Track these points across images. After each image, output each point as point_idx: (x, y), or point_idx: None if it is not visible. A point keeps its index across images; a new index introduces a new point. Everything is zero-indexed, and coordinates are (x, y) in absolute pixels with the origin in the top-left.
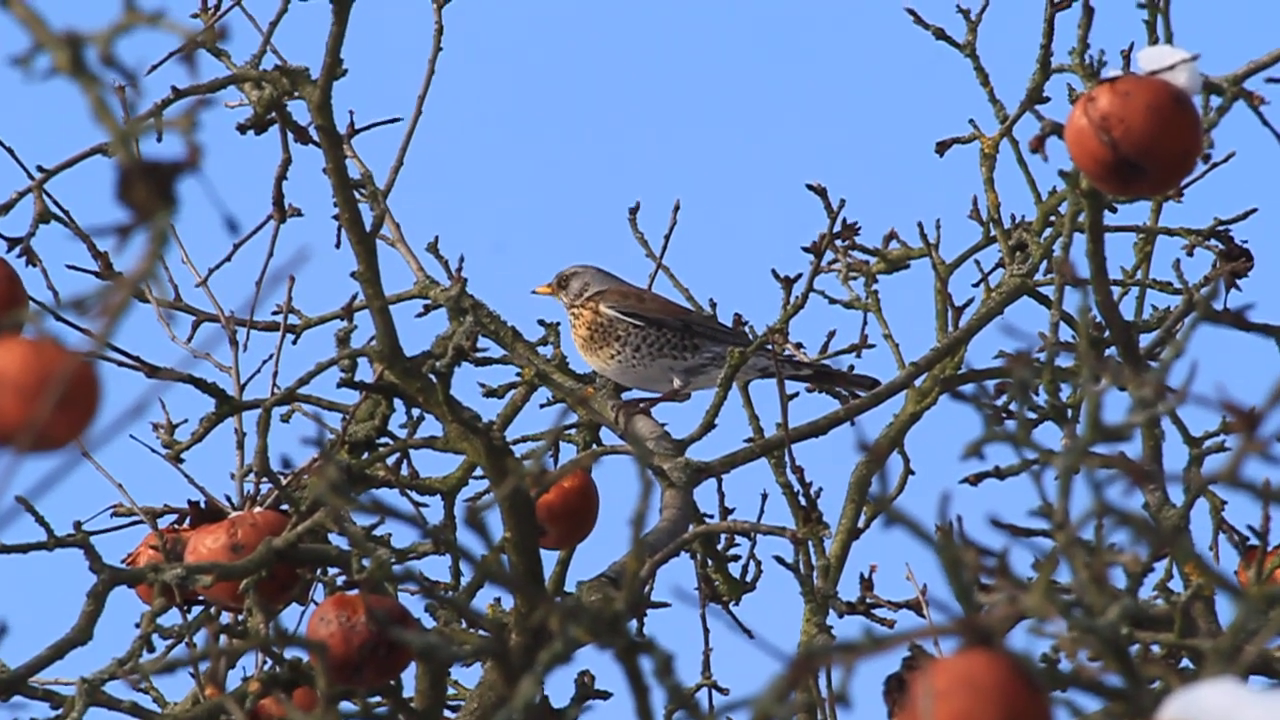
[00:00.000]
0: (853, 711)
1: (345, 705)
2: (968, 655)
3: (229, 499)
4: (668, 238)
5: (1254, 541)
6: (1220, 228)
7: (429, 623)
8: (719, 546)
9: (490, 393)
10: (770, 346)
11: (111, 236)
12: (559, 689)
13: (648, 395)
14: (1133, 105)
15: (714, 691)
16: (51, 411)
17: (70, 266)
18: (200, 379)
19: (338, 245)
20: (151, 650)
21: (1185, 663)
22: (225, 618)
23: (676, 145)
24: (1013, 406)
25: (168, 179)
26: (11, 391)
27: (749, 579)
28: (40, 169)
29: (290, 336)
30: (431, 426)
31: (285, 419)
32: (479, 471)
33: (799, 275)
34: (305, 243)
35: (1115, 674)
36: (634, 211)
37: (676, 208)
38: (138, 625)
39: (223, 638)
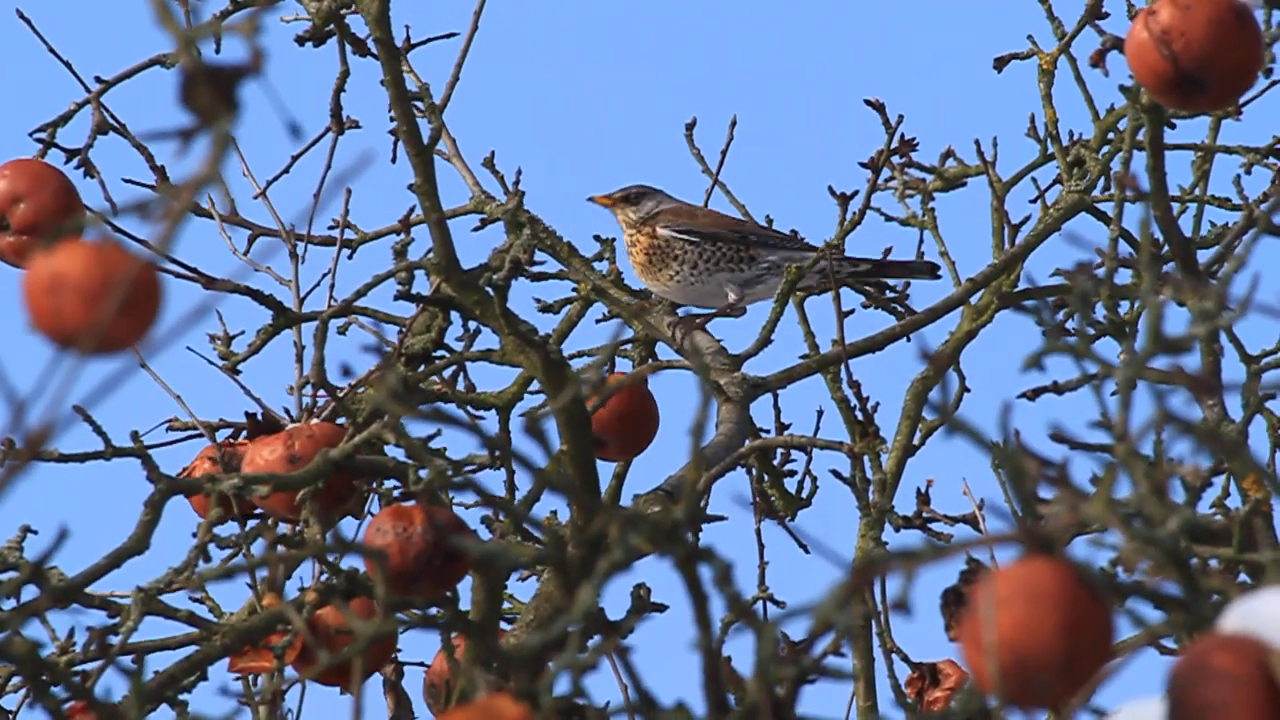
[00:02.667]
0: (906, 625)
1: (402, 615)
2: (1029, 563)
3: (286, 411)
4: (724, 154)
5: None
6: (1279, 145)
7: (484, 536)
8: (775, 461)
9: (546, 308)
10: (826, 264)
11: (174, 141)
12: (615, 603)
13: (703, 311)
14: (1194, 19)
15: (770, 604)
16: (114, 314)
17: (127, 180)
18: (257, 290)
19: (394, 159)
20: (208, 560)
21: (1244, 577)
22: (282, 528)
23: (733, 60)
24: (1072, 321)
25: (231, 83)
26: (74, 293)
27: (805, 494)
28: (98, 80)
29: (347, 250)
30: (488, 340)
31: (342, 331)
32: (535, 386)
33: (855, 192)
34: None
35: (1175, 585)
36: (690, 128)
37: (733, 124)
38: (194, 535)
39: (280, 547)
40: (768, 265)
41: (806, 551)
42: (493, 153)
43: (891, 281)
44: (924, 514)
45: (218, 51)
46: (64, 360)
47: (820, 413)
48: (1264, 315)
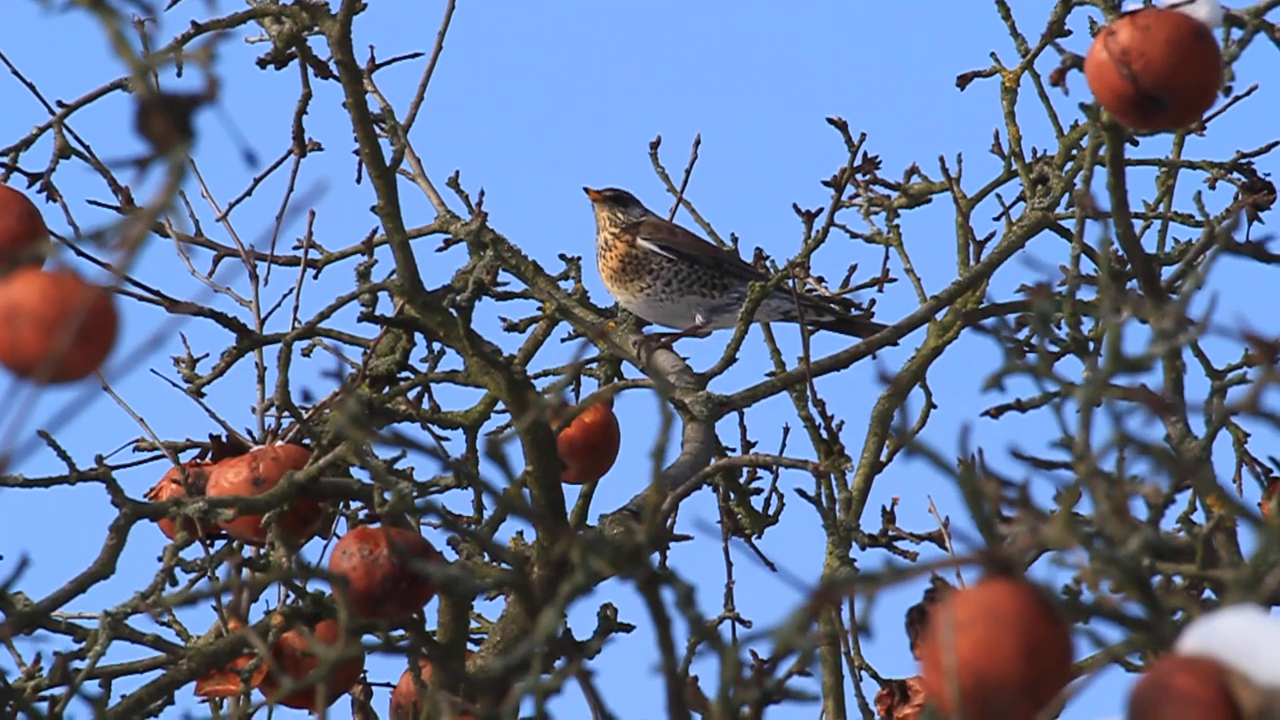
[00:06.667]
0: (875, 642)
1: (367, 638)
2: (989, 586)
3: (250, 433)
4: (689, 172)
5: (1277, 474)
6: (1242, 160)
7: (451, 557)
8: (741, 480)
9: (511, 327)
10: (792, 281)
11: (130, 169)
12: (582, 622)
13: (668, 330)
14: (1153, 39)
15: (736, 624)
16: (71, 343)
17: (91, 202)
18: (221, 313)
19: (358, 180)
20: (174, 584)
21: (1207, 594)
22: (247, 552)
23: (698, 79)
24: (1034, 339)
25: (186, 111)
26: (31, 323)
27: (771, 512)
28: (60, 104)
29: (311, 271)
30: (452, 361)
31: (306, 353)
32: (500, 406)
33: (820, 210)
34: (325, 175)
35: (1137, 604)
36: (655, 146)
37: (697, 142)
38: (160, 559)
39: (245, 571)
40: (738, 295)
41: (773, 570)
42: (457, 172)
43: (855, 298)
44: (890, 532)
45: (179, 76)
46: (22, 389)
47: (786, 430)
48: (1222, 336)
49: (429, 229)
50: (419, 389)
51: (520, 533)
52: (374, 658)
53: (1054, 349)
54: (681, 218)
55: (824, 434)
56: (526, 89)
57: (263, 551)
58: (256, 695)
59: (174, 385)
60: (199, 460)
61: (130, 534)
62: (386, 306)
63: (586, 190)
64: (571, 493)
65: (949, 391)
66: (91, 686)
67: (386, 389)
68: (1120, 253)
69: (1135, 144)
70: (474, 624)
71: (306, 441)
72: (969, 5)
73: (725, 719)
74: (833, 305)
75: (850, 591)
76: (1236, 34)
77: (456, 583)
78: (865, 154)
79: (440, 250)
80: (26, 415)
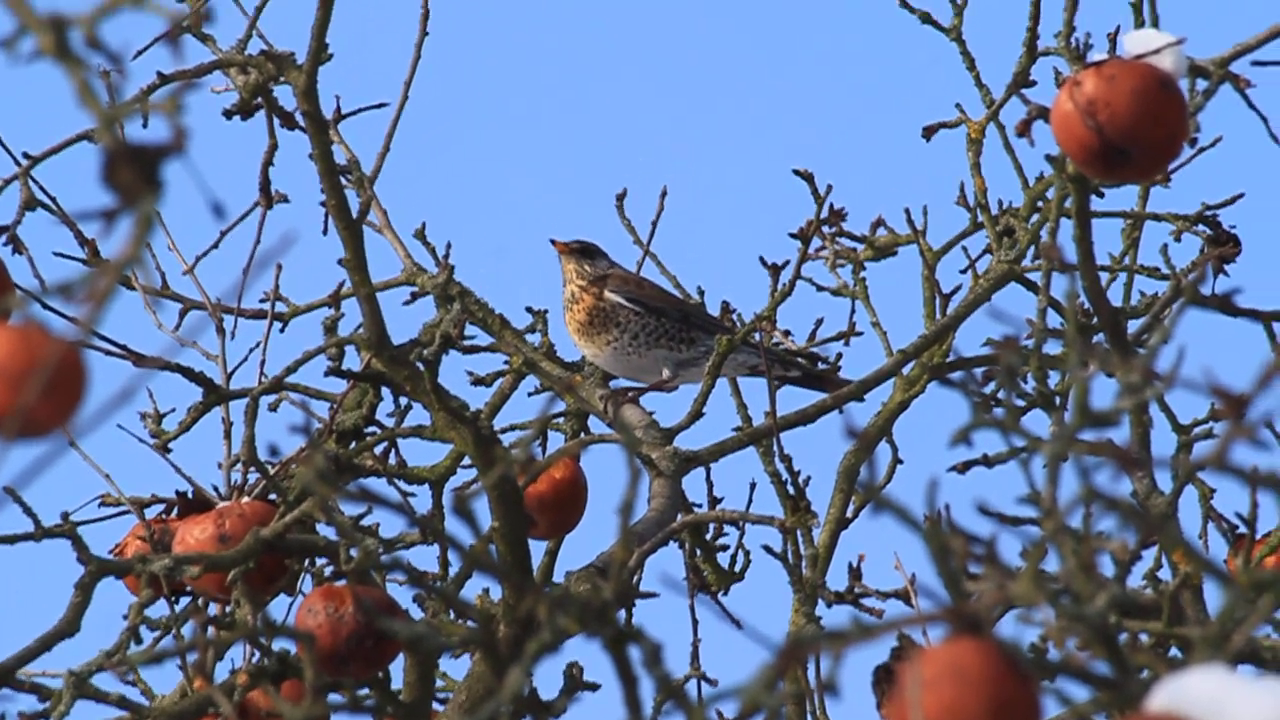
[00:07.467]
0: (841, 701)
1: (333, 697)
2: (955, 644)
3: (216, 489)
4: (655, 224)
5: (1242, 529)
6: (1208, 213)
7: (417, 613)
8: (708, 536)
9: (478, 381)
10: (758, 334)
11: (97, 221)
12: (548, 681)
13: (635, 385)
14: (1118, 89)
15: (703, 682)
16: (37, 398)
17: (57, 254)
18: (187, 367)
19: (325, 232)
20: (139, 642)
21: (1174, 651)
22: (213, 609)
23: (663, 131)
24: (1001, 394)
25: (153, 163)
26: None
27: (738, 569)
28: (26, 155)
29: (277, 324)
30: (419, 415)
31: (273, 408)
32: (467, 460)
33: (786, 262)
34: (291, 228)
35: (1104, 662)
36: (620, 198)
37: (663, 194)
38: (125, 617)
39: (210, 629)
40: (705, 349)
41: (740, 627)
42: (424, 224)
43: (822, 352)
44: (856, 589)
45: (145, 126)
46: None
47: (753, 486)
48: (1189, 390)
49: (396, 281)
50: (386, 444)
51: (486, 589)
52: (339, 716)
53: (1021, 403)
54: (648, 270)
55: (790, 489)
56: (492, 140)
57: (228, 609)
58: None
59: (140, 440)
60: (165, 516)
61: (96, 591)
62: (354, 360)
63: (553, 242)
64: (538, 549)
65: (916, 446)
66: None
67: (353, 444)
68: (1087, 306)
69: (1101, 196)
70: (440, 682)
71: (273, 497)
72: (934, 56)
73: None
74: (799, 359)
75: (817, 649)
76: (1202, 85)
77: (422, 640)
78: (831, 206)
79: (407, 303)
80: None
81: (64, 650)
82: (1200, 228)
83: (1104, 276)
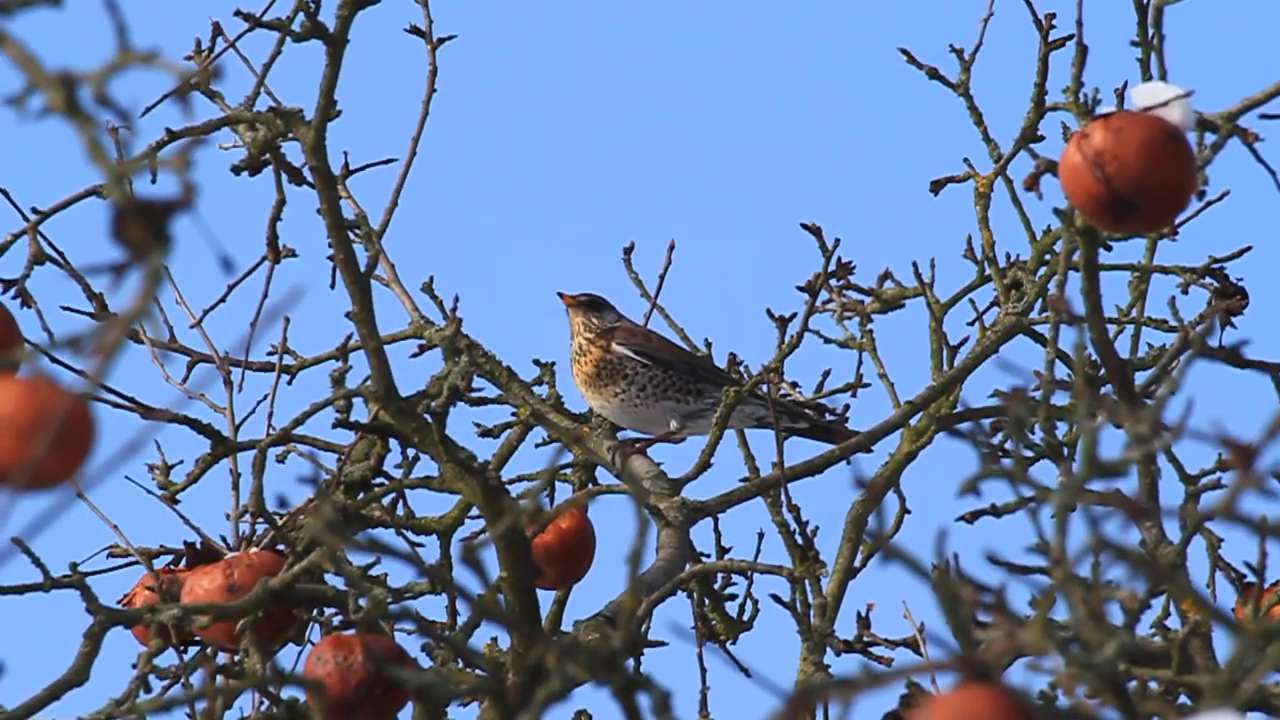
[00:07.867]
0: None
1: None
2: (965, 691)
3: (224, 540)
4: (663, 277)
5: (1251, 578)
6: (1215, 265)
7: (426, 662)
8: (716, 585)
9: (486, 432)
10: (766, 387)
11: (106, 276)
12: None
13: (643, 436)
14: (1126, 142)
15: None
16: (46, 451)
17: (65, 308)
18: (195, 420)
19: (333, 286)
20: (148, 691)
21: (1183, 699)
22: (222, 658)
23: (671, 185)
24: (1009, 444)
25: (162, 218)
26: (6, 430)
27: (746, 618)
28: (35, 210)
29: (285, 377)
30: (427, 466)
31: (281, 459)
32: (475, 511)
33: (794, 315)
34: (299, 281)
35: (1113, 709)
36: (628, 251)
37: (671, 247)
38: (134, 666)
39: (219, 678)
40: (712, 401)
41: (748, 675)
42: (431, 278)
43: (830, 403)
44: (865, 638)
45: (154, 182)
46: None
47: (761, 536)
48: (1198, 441)
49: (403, 334)
50: (394, 495)
51: (495, 638)
52: None
53: (1029, 454)
54: (656, 323)
55: (799, 539)
56: (500, 195)
57: (237, 658)
58: None
59: (148, 492)
60: (173, 567)
61: (104, 641)
62: (361, 412)
63: (561, 295)
64: (546, 598)
65: (924, 496)
66: None
67: (361, 495)
68: (1094, 358)
69: (1109, 249)
70: None
71: (281, 548)
72: (942, 111)
73: None
74: (807, 410)
75: (826, 697)
76: (1210, 138)
77: (431, 689)
78: (839, 259)
79: (415, 356)
80: (1, 522)
81: (73, 699)
82: (1207, 280)
83: (1111, 329)
